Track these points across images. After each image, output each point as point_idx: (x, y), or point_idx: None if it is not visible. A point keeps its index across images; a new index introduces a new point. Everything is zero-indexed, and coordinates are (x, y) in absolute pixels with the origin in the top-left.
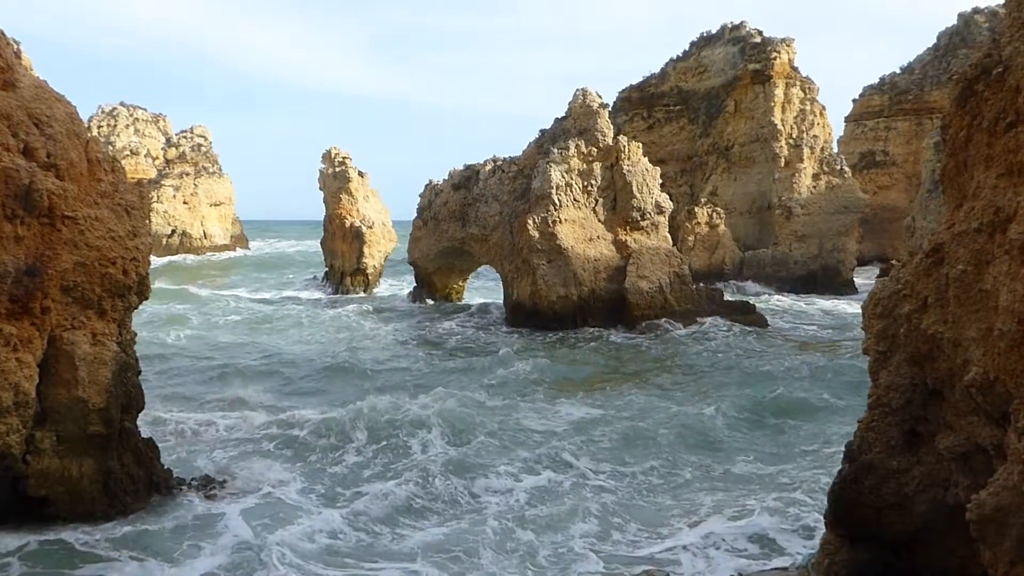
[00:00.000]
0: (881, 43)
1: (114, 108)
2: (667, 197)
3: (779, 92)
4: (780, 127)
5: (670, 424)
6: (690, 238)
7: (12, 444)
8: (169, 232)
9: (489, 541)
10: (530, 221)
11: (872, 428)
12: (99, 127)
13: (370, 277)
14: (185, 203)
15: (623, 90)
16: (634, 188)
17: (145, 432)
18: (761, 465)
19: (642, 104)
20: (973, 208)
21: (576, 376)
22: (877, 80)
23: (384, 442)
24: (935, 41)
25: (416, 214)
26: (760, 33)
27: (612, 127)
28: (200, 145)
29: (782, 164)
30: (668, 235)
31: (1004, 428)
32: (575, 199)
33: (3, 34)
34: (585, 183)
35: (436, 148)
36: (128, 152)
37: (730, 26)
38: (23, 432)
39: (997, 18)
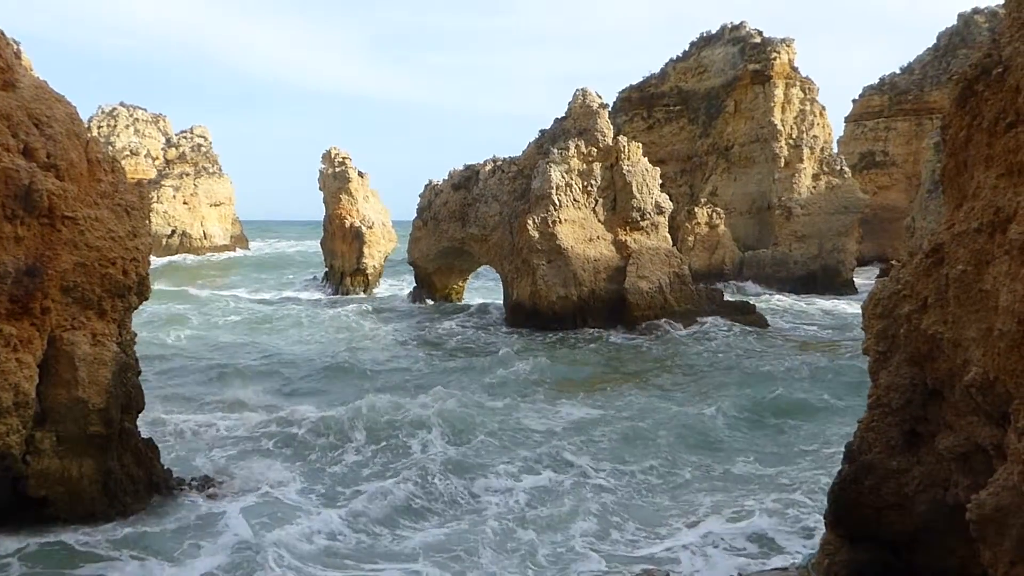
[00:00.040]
0: (881, 43)
1: (114, 108)
2: (667, 197)
3: (779, 92)
4: (780, 127)
5: (670, 424)
6: (690, 238)
7: (12, 444)
8: (169, 232)
9: (489, 541)
10: (530, 221)
11: (872, 428)
12: (99, 127)
13: (370, 277)
14: (185, 203)
15: (623, 90)
16: (634, 188)
17: (145, 432)
18: (761, 465)
19: (642, 104)
20: (973, 208)
21: (576, 376)
22: (877, 80)
23: (384, 442)
24: (935, 41)
25: (416, 214)
26: (760, 33)
27: (612, 127)
28: (200, 145)
29: (782, 164)
30: (668, 235)
31: (1004, 428)
32: (575, 199)
33: (3, 34)
34: (585, 183)
35: (436, 148)
36: (128, 152)
37: (730, 26)
38: (23, 432)
39: (997, 18)
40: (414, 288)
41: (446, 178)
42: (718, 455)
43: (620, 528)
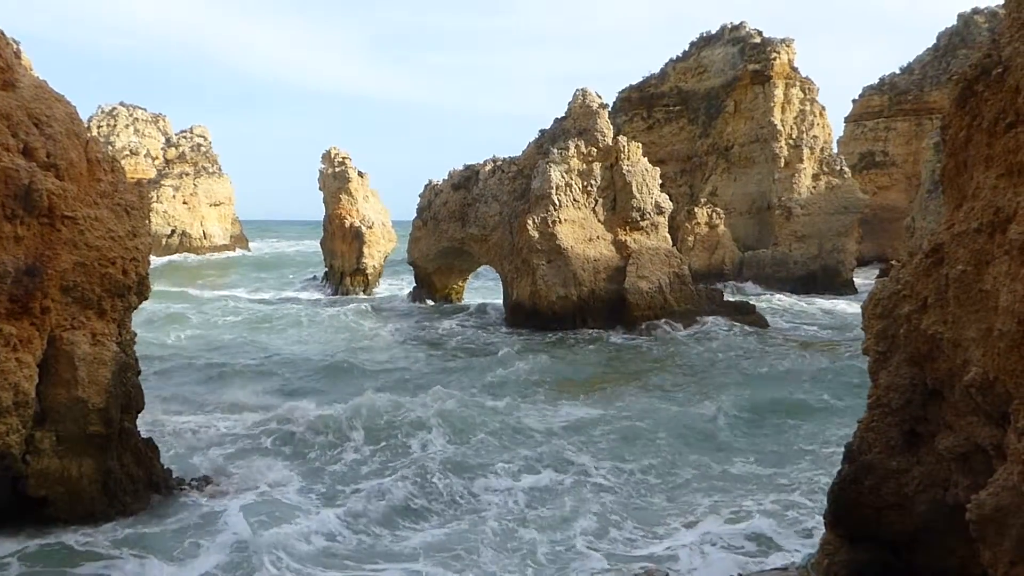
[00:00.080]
0: (881, 43)
1: (114, 108)
2: (667, 197)
3: (779, 92)
4: (780, 127)
5: (670, 424)
6: (690, 238)
7: (12, 444)
8: (169, 232)
9: (490, 540)
10: (530, 221)
11: (872, 428)
12: (99, 127)
13: (370, 277)
14: (185, 203)
15: (623, 90)
16: (634, 188)
17: (145, 432)
18: (761, 465)
19: (642, 104)
20: (973, 208)
21: (576, 376)
22: (877, 80)
23: (383, 441)
24: (935, 41)
25: (416, 214)
26: (760, 33)
27: (612, 127)
28: (200, 145)
29: (782, 164)
30: (668, 235)
31: (1004, 428)
32: (575, 199)
33: (3, 34)
34: (585, 183)
35: (436, 148)
36: (128, 152)
37: (730, 26)
38: (23, 432)
39: (997, 19)
40: (414, 288)
41: (446, 178)
42: (718, 455)
43: (620, 527)
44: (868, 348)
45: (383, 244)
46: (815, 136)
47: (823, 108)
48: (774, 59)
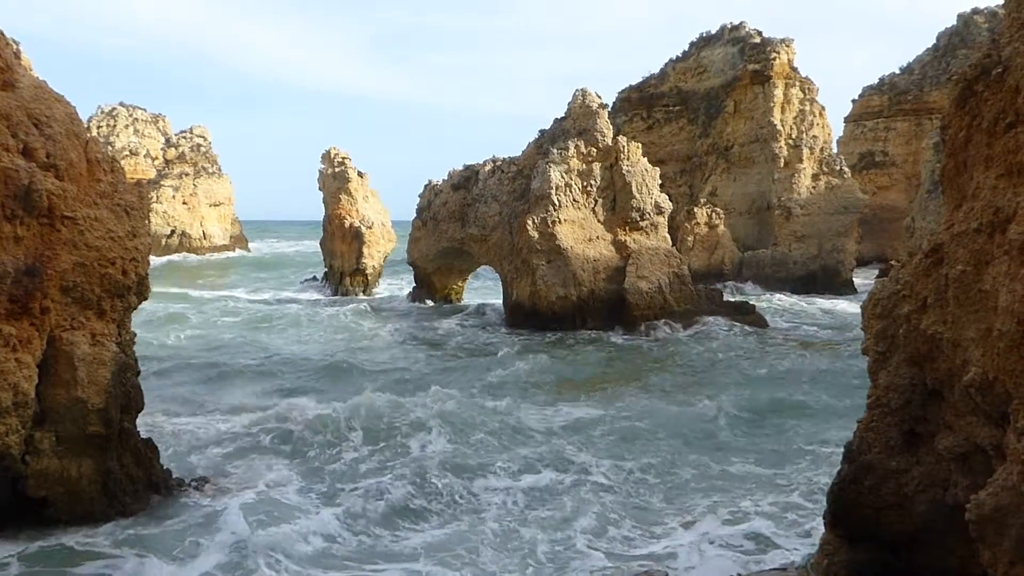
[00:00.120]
0: (881, 43)
1: (113, 108)
2: (666, 197)
3: (778, 92)
4: (779, 127)
5: (669, 424)
6: (689, 238)
7: (11, 444)
8: (168, 232)
9: (490, 540)
10: (529, 221)
11: (871, 428)
12: (98, 127)
13: (369, 277)
14: (184, 203)
15: (622, 90)
16: (633, 188)
17: (144, 432)
18: (760, 466)
19: (641, 104)
20: (972, 208)
21: (576, 376)
22: (876, 80)
23: (383, 441)
24: (935, 41)
25: (415, 214)
26: (759, 33)
27: (611, 127)
28: (199, 145)
29: (781, 164)
30: (667, 235)
31: (1003, 428)
32: (574, 199)
33: (2, 34)
34: (584, 183)
35: (436, 148)
36: (127, 152)
37: (729, 26)
38: (22, 432)
39: (996, 19)
40: (413, 288)
41: (446, 178)
42: (717, 455)
43: (620, 527)
44: (868, 348)
45: (383, 244)
46: (815, 136)
47: (823, 108)
48: (774, 59)
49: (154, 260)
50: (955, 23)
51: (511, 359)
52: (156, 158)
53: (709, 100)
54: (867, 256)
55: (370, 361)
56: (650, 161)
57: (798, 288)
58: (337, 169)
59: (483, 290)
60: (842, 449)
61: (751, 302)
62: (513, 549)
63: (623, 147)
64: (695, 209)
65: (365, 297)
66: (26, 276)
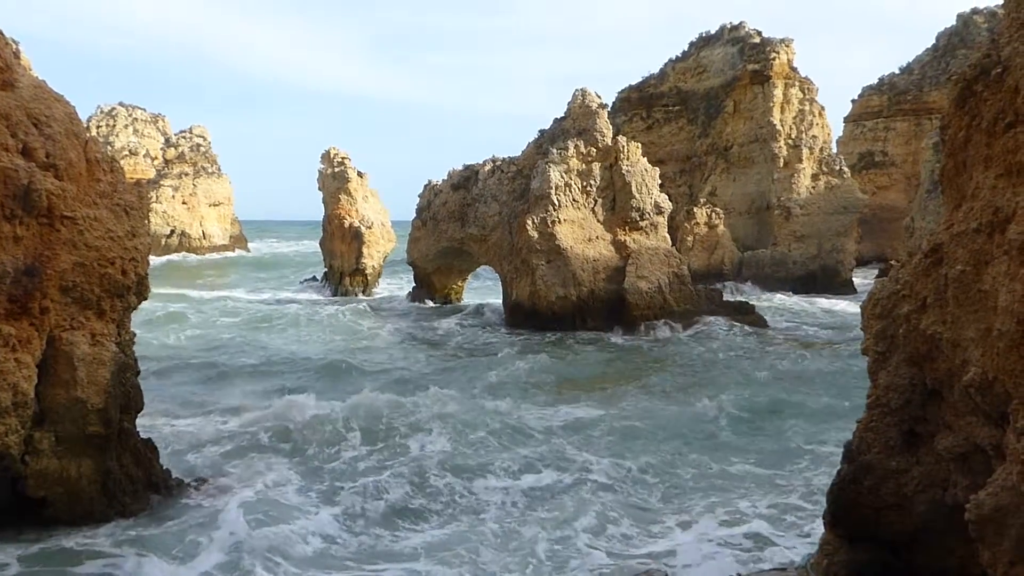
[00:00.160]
0: (880, 44)
1: (113, 108)
2: (666, 197)
3: (778, 92)
4: (779, 127)
5: (669, 424)
6: (689, 238)
7: (11, 444)
8: (168, 232)
9: (490, 540)
10: (529, 221)
11: (871, 428)
12: (98, 127)
13: (369, 277)
14: (184, 203)
15: (622, 90)
16: (633, 188)
17: (144, 432)
18: (760, 466)
19: (641, 104)
20: (972, 208)
21: (575, 376)
22: (876, 80)
23: (382, 441)
24: (934, 42)
25: (415, 214)
26: (759, 33)
27: (611, 127)
28: (199, 145)
29: (781, 164)
30: (667, 235)
31: (1003, 428)
32: (574, 199)
33: (2, 34)
34: (584, 183)
35: (436, 148)
36: (127, 152)
37: (729, 26)
38: (22, 432)
39: (996, 19)
40: (413, 288)
41: (445, 178)
42: (717, 455)
43: (619, 527)
44: (867, 348)
45: (382, 244)
46: (814, 136)
47: (822, 108)
48: (773, 59)
49: (154, 260)
50: (954, 23)
51: (511, 359)
52: (156, 158)
53: (709, 100)
54: (867, 256)
55: (370, 361)
56: (650, 161)
57: (798, 288)
58: (337, 169)
59: (483, 290)
60: (842, 449)
61: (750, 302)
62: (514, 549)
63: (623, 147)
64: (695, 209)
65: (365, 297)
66: (25, 276)
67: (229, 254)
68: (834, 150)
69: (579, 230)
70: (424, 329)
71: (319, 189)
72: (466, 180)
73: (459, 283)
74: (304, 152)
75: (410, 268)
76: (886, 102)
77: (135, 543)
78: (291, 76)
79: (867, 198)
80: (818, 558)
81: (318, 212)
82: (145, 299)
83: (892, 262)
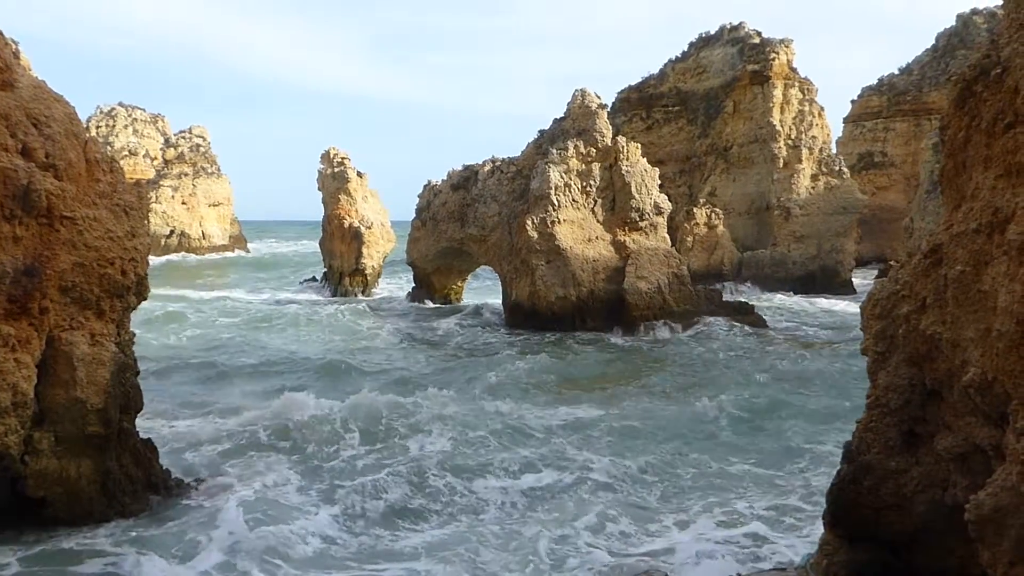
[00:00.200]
0: (880, 44)
1: (112, 108)
2: (666, 198)
3: (778, 93)
4: (779, 128)
5: (668, 424)
6: (689, 239)
7: (10, 445)
8: (167, 232)
9: (490, 539)
10: (529, 222)
11: (871, 429)
12: (97, 127)
13: (368, 277)
14: (183, 203)
15: (622, 91)
16: (633, 189)
17: (143, 432)
18: (759, 466)
19: (641, 105)
20: (972, 209)
21: (575, 376)
22: (876, 81)
23: (382, 441)
24: (934, 42)
25: (415, 214)
26: (759, 34)
27: (611, 128)
28: (199, 145)
29: (781, 165)
30: (667, 236)
31: (1002, 429)
32: (574, 200)
33: (2, 34)
34: (584, 184)
35: (436, 148)
36: (126, 152)
37: (729, 27)
38: (21, 433)
39: (995, 19)
40: (413, 288)
41: (445, 178)
42: (716, 455)
43: (619, 527)
44: (867, 348)
45: (382, 244)
46: (814, 136)
47: (822, 108)
48: (773, 60)
49: (153, 260)
50: (954, 24)
51: (510, 359)
52: (155, 158)
53: (708, 100)
54: (866, 256)
55: (369, 361)
56: (649, 161)
57: (797, 288)
58: (336, 169)
59: (482, 290)
60: (841, 449)
61: (750, 302)
62: (514, 548)
63: (622, 147)
64: (694, 209)
65: (364, 297)
66: (25, 276)
67: (228, 254)
68: (834, 150)
69: (579, 230)
70: (424, 329)
71: (319, 189)
72: (466, 180)
73: (459, 283)
74: (304, 152)
75: (410, 268)
76: (885, 103)
77: (135, 543)
78: (291, 76)
79: (866, 199)
80: (818, 558)
81: (318, 212)
82: (145, 299)
83: (892, 262)
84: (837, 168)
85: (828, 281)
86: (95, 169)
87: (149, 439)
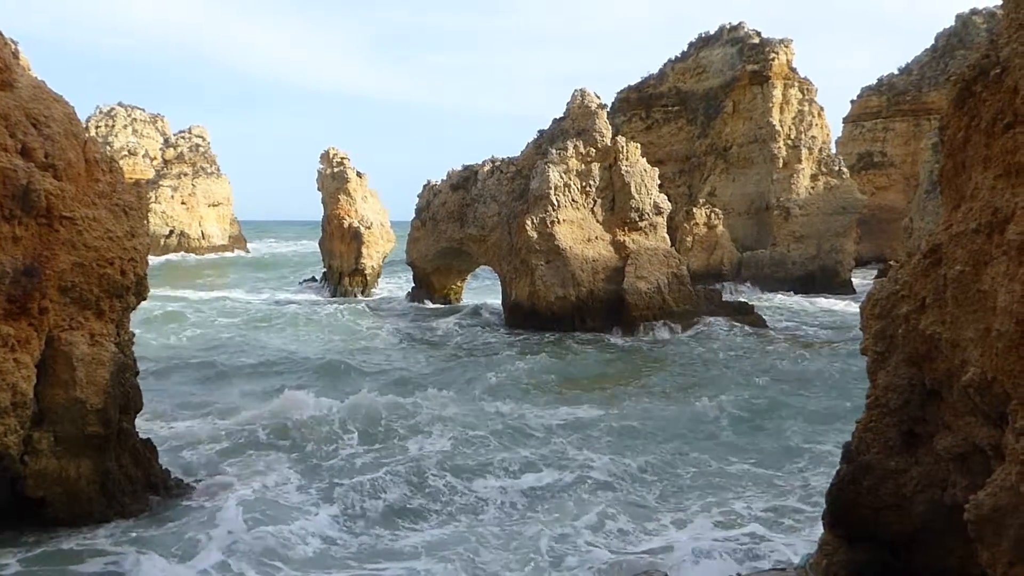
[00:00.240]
0: (879, 44)
1: (112, 108)
2: (665, 198)
3: (777, 93)
4: (778, 128)
5: (669, 424)
6: (688, 239)
7: (10, 445)
8: (167, 232)
9: (490, 539)
10: (528, 222)
11: (870, 428)
12: (97, 127)
13: (368, 277)
14: (183, 203)
15: (621, 91)
16: (632, 189)
17: (142, 432)
18: (759, 466)
19: (640, 105)
20: (971, 209)
21: (575, 376)
22: (875, 81)
23: (382, 441)
24: (933, 42)
25: (414, 214)
26: (758, 34)
27: (610, 128)
28: (198, 145)
29: (780, 165)
30: (666, 236)
31: (1002, 429)
32: (573, 200)
33: (1, 34)
34: (583, 184)
35: (436, 148)
36: (126, 152)
37: (728, 27)
38: (21, 433)
39: (995, 19)
40: (412, 288)
41: (444, 178)
42: (716, 455)
43: (619, 526)
44: (866, 348)
45: (382, 244)
46: (813, 136)
47: (821, 108)
48: (772, 60)
49: (152, 260)
50: (953, 24)
51: (510, 359)
52: (155, 158)
53: (708, 100)
54: (866, 256)
55: (368, 361)
56: (649, 161)
57: (797, 288)
58: (336, 169)
59: (482, 290)
60: (841, 449)
61: (750, 302)
62: (514, 548)
63: (622, 147)
64: (694, 209)
65: (364, 297)
66: (24, 276)
67: (228, 254)
68: (833, 150)
69: (578, 230)
70: (423, 329)
71: (318, 189)
72: (465, 180)
73: (458, 283)
74: (304, 152)
75: (409, 268)
76: (885, 103)
77: (135, 543)
78: (291, 76)
79: (866, 199)
80: (817, 558)
81: (317, 212)
82: (144, 299)
83: (891, 262)
84: (837, 168)
85: (828, 281)
86: (94, 169)
87: (148, 439)
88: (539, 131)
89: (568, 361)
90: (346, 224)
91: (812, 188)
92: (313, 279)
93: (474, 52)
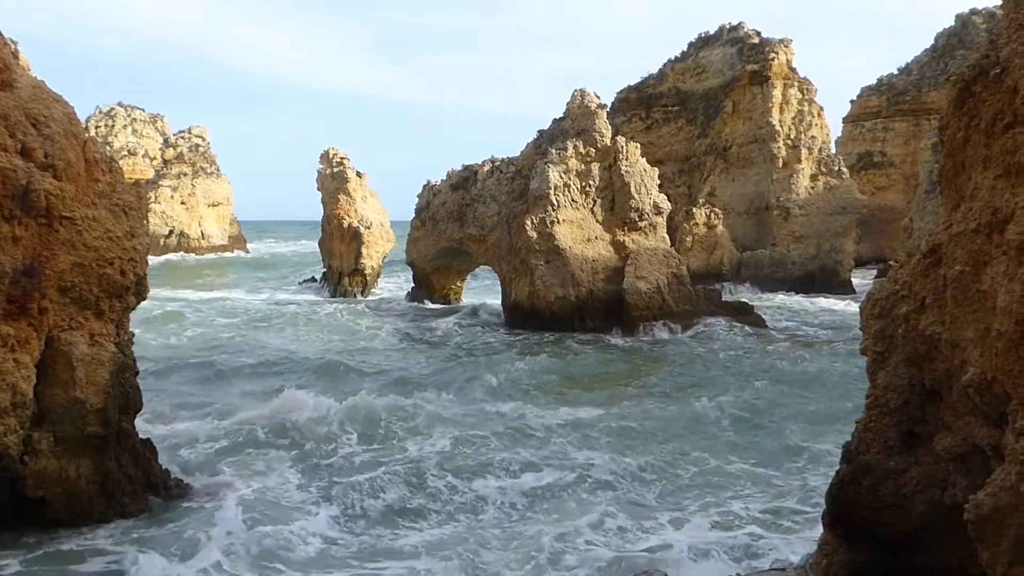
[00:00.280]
0: (879, 44)
1: (112, 108)
2: (665, 198)
3: (777, 93)
4: (778, 128)
5: (667, 424)
6: (688, 239)
7: (10, 445)
8: (167, 232)
9: (490, 539)
10: (528, 222)
11: (870, 429)
12: (97, 127)
13: (368, 277)
14: (183, 203)
15: (621, 91)
16: (632, 189)
17: (142, 432)
18: (758, 466)
19: (640, 105)
20: (971, 209)
21: (574, 376)
22: (875, 81)
23: (381, 441)
24: (933, 42)
25: (414, 214)
26: (758, 34)
27: (610, 128)
28: (198, 145)
29: (780, 165)
30: (666, 236)
31: (1002, 429)
32: (573, 200)
33: (1, 34)
34: (583, 184)
35: (436, 148)
36: (126, 152)
37: (728, 27)
38: (21, 433)
39: (995, 19)
40: (412, 288)
41: (444, 178)
42: (715, 454)
43: (619, 526)
44: (866, 348)
45: (381, 244)
46: (813, 136)
47: (821, 108)
48: (772, 60)
49: (152, 260)
50: (953, 24)
51: (510, 360)
52: (154, 158)
53: (708, 100)
54: (865, 256)
55: (368, 361)
56: (649, 161)
57: (796, 288)
58: (336, 169)
59: (482, 290)
60: (840, 449)
61: (749, 302)
62: (515, 547)
63: (622, 147)
64: (694, 209)
65: (363, 297)
66: (24, 276)
67: (228, 254)
68: (833, 150)
69: (578, 230)
70: (423, 329)
71: (318, 189)
72: (465, 180)
73: (458, 283)
74: (303, 152)
75: (409, 268)
76: (885, 103)
77: (135, 542)
78: (291, 76)
79: (866, 199)
80: (817, 558)
81: (317, 212)
82: (144, 299)
83: (891, 262)
84: (836, 168)
85: (827, 281)
86: (94, 169)
87: (148, 439)
88: (539, 131)
89: (568, 361)
90: (346, 224)
91: (812, 188)
92: (313, 279)
93: (474, 52)
